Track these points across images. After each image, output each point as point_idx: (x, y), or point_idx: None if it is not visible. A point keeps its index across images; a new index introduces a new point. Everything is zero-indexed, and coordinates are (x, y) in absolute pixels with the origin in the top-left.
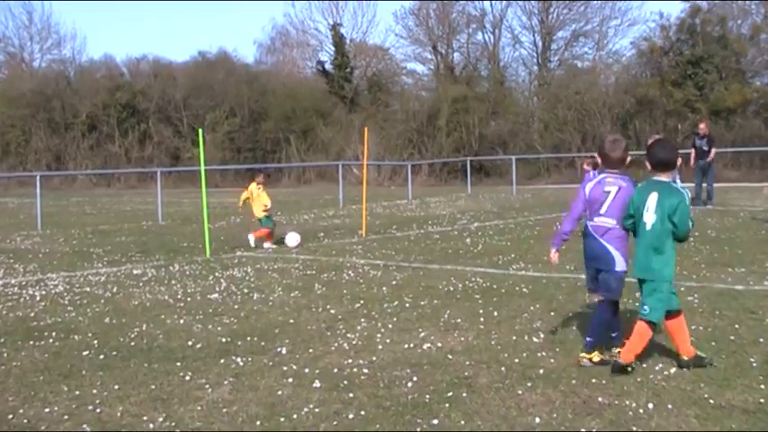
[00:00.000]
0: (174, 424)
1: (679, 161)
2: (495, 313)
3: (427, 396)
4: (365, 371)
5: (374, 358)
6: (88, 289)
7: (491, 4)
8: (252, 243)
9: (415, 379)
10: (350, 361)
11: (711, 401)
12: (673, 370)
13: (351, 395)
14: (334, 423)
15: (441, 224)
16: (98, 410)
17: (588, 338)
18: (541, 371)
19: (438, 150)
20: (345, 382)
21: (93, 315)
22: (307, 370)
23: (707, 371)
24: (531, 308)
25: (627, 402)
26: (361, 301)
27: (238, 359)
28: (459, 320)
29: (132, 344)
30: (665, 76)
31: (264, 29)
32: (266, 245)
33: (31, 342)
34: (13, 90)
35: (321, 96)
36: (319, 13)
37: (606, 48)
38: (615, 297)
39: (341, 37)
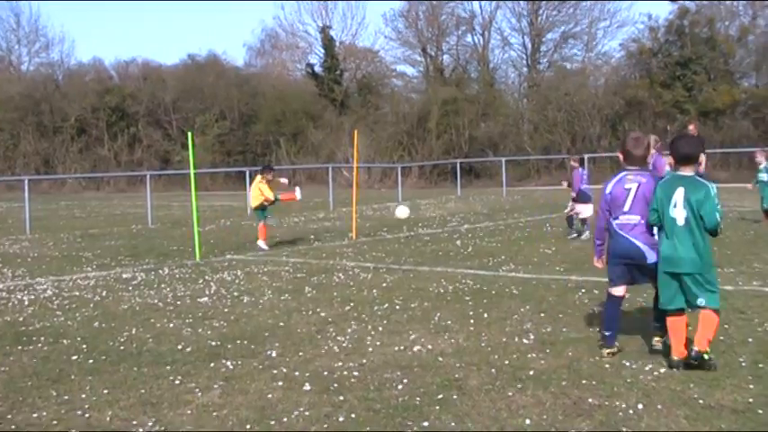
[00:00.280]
0: (163, 428)
1: (702, 157)
2: (486, 315)
3: (417, 398)
4: (355, 373)
5: (364, 361)
6: (77, 293)
7: (480, 6)
8: (264, 246)
9: (405, 381)
10: (340, 364)
11: (701, 401)
12: (663, 370)
13: (341, 398)
14: (325, 426)
15: (431, 226)
16: (87, 415)
17: (655, 324)
18: (532, 372)
19: (428, 152)
20: (336, 385)
21: (82, 319)
22: (297, 373)
23: (696, 371)
24: (522, 309)
25: (617, 403)
26: (352, 304)
27: (228, 363)
28: (449, 322)
29: (122, 348)
30: (654, 77)
31: (254, 31)
32: (261, 244)
33: (20, 347)
34: (1, 93)
35: (311, 99)
36: (308, 15)
37: (595, 49)
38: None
39: (330, 39)
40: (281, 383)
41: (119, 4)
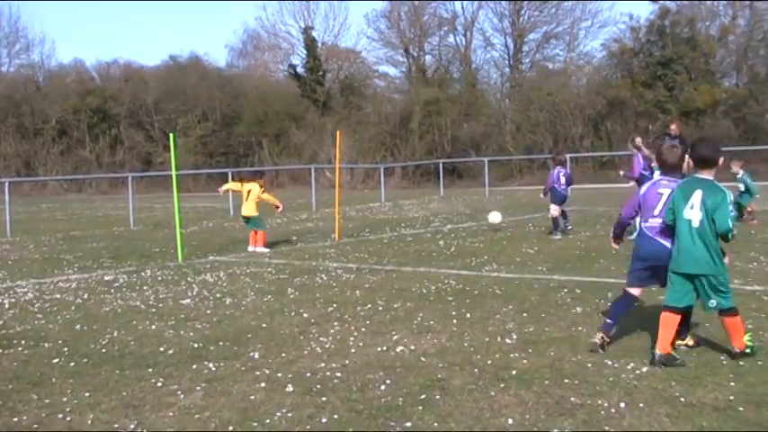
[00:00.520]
0: (145, 431)
1: (721, 160)
2: (468, 315)
3: (400, 399)
4: (338, 374)
5: (347, 362)
6: (59, 296)
7: (462, 6)
8: (265, 251)
9: (388, 382)
10: (323, 365)
11: (682, 400)
12: (644, 369)
13: (324, 399)
14: (307, 427)
15: (414, 226)
16: (68, 419)
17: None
18: (514, 372)
19: (411, 153)
20: (318, 386)
21: (63, 322)
22: (279, 374)
23: (678, 369)
24: (504, 309)
25: (599, 402)
26: (335, 305)
27: (211, 364)
28: (432, 323)
29: (103, 350)
30: (636, 77)
31: (236, 32)
32: (258, 248)
33: (0, 350)
34: None
35: (293, 100)
36: (291, 16)
37: (577, 49)
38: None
39: (312, 40)
40: (263, 385)
41: (100, 5)
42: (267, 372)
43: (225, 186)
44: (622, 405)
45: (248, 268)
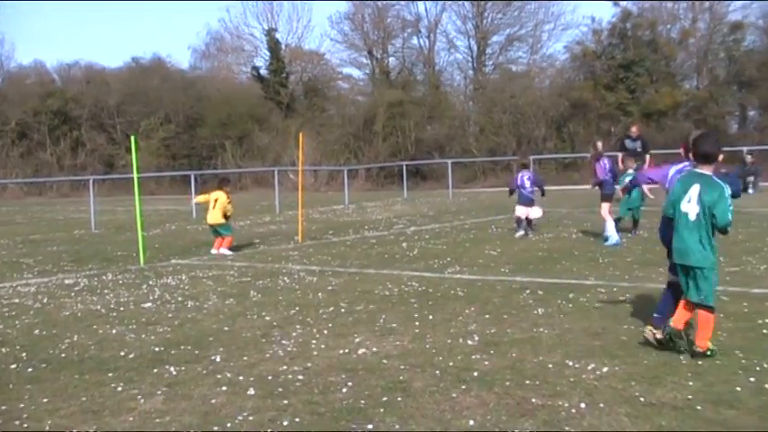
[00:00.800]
0: None
1: (721, 156)
2: (431, 317)
3: (362, 401)
4: (300, 377)
5: (309, 364)
6: (17, 300)
7: (426, 9)
8: (229, 254)
9: (350, 384)
10: (285, 367)
11: (642, 399)
12: (605, 369)
13: (285, 402)
14: (269, 430)
15: (377, 229)
16: (25, 425)
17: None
18: (476, 373)
19: (374, 155)
20: (280, 389)
21: (22, 327)
22: (241, 377)
23: (638, 369)
24: (467, 311)
25: (560, 402)
26: (297, 308)
27: (172, 368)
28: (394, 325)
29: (63, 355)
30: (598, 79)
31: (199, 34)
32: (221, 251)
33: None
34: None
35: (257, 102)
36: (254, 17)
37: (540, 52)
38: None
39: (276, 42)
40: (225, 388)
41: (60, 6)
42: (229, 375)
43: (196, 199)
44: (583, 405)
45: (211, 271)
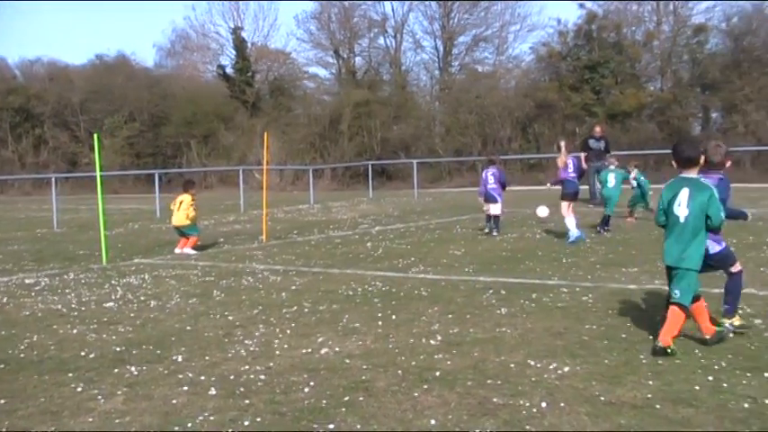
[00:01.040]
0: None
1: (702, 158)
2: (394, 317)
3: (324, 401)
4: (262, 377)
5: (271, 364)
6: None
7: (393, 8)
8: (192, 253)
9: (312, 384)
10: (247, 367)
11: (602, 398)
12: (566, 369)
13: (247, 402)
14: (230, 430)
15: (342, 228)
16: None
17: (725, 306)
18: (438, 373)
19: (340, 155)
20: (242, 389)
21: None
22: (203, 377)
23: (599, 368)
24: (430, 311)
25: (521, 402)
26: (260, 307)
27: (133, 368)
28: (357, 325)
29: (22, 356)
30: (564, 80)
31: (164, 32)
32: (185, 250)
33: None
34: None
35: (222, 101)
36: (220, 16)
37: (506, 53)
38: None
39: (242, 40)
40: (186, 388)
41: (22, 2)
42: (190, 375)
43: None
44: (544, 405)
45: (174, 270)
